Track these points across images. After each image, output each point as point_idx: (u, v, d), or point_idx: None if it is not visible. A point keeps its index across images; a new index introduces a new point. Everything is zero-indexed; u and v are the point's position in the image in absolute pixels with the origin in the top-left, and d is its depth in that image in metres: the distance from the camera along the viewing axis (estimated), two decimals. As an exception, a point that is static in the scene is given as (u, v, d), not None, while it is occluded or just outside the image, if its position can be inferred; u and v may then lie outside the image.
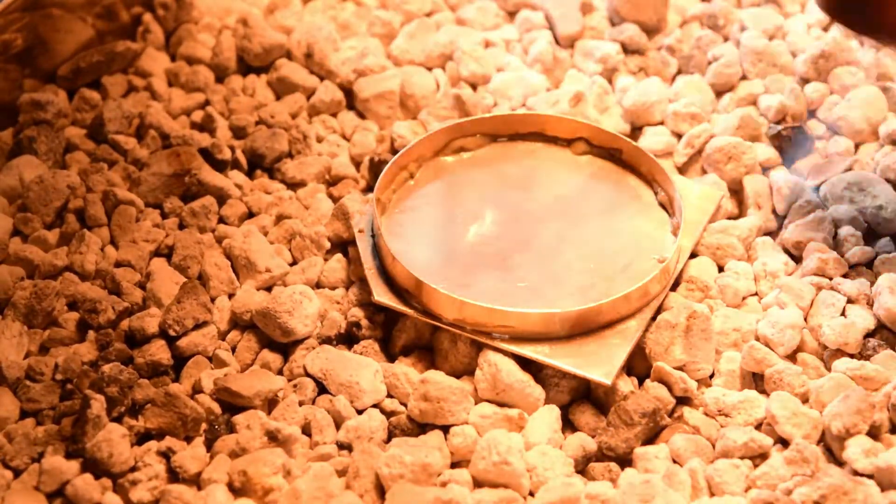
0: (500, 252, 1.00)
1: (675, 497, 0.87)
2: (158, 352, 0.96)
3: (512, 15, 1.22)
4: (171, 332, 0.97)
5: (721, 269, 1.02)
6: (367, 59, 1.16)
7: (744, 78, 1.15)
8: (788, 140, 1.09)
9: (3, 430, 0.92)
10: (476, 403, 0.94)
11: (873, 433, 0.89)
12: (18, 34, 1.11)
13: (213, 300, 1.00)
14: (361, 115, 1.15)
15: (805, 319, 0.98)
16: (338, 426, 0.93)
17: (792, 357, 0.96)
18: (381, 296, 0.98)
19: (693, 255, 1.02)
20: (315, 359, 0.96)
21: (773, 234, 1.05)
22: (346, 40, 1.19)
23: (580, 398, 0.95)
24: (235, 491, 0.89)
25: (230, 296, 1.00)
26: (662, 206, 1.04)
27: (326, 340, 0.98)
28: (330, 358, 0.96)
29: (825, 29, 1.19)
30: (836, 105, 1.11)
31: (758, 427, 0.93)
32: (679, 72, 1.17)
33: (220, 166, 1.08)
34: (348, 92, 1.15)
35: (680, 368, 0.95)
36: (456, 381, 0.94)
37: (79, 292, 0.99)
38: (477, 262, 1.00)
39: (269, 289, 1.01)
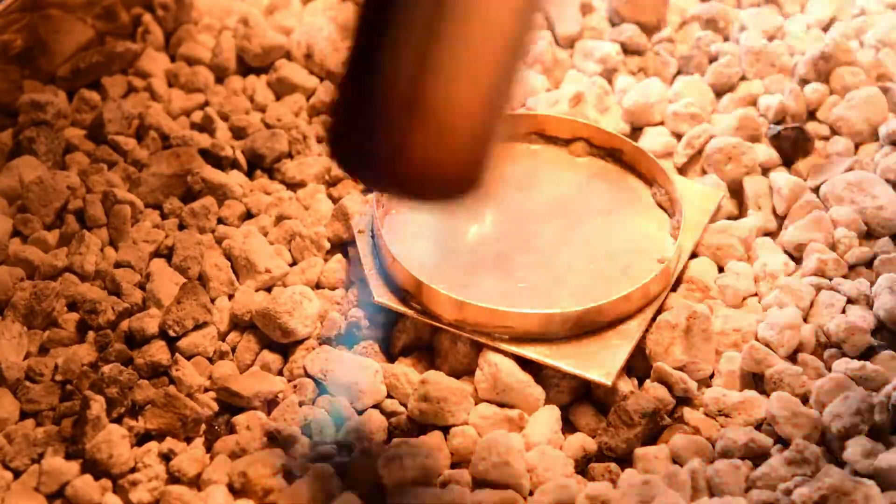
0: (500, 252, 1.00)
1: (676, 497, 0.87)
2: (158, 352, 0.96)
3: (512, 15, 1.22)
4: (171, 333, 0.97)
5: (721, 270, 1.02)
6: (366, 59, 1.16)
7: (743, 78, 1.15)
8: (788, 140, 1.09)
9: (2, 431, 0.92)
10: (476, 404, 0.94)
11: (873, 433, 0.89)
12: (18, 35, 1.11)
13: (213, 301, 1.00)
14: (361, 116, 1.14)
15: (805, 320, 0.98)
16: (338, 427, 0.93)
17: (792, 357, 0.96)
18: (381, 296, 0.98)
19: (693, 256, 1.02)
20: (315, 359, 0.96)
21: (773, 234, 1.05)
22: (347, 41, 1.19)
23: (580, 398, 0.95)
24: (235, 492, 0.89)
25: (230, 296, 1.00)
26: (662, 206, 1.04)
27: (326, 341, 0.98)
28: (330, 358, 0.96)
29: (825, 29, 1.19)
30: (836, 105, 1.11)
31: (758, 427, 0.93)
32: (679, 72, 1.17)
33: (220, 166, 1.08)
34: (348, 92, 1.15)
35: (680, 369, 0.95)
36: (456, 382, 0.94)
37: (78, 293, 0.99)
38: (477, 263, 0.99)
39: (269, 289, 1.01)
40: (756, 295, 1.01)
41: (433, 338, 0.98)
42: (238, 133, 1.12)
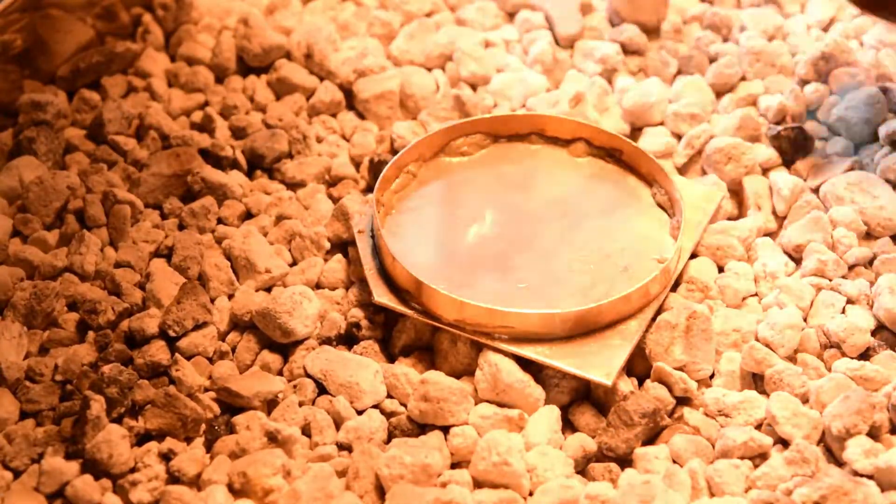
0: (501, 253, 1.00)
1: (676, 497, 0.87)
2: (158, 352, 0.96)
3: (512, 15, 1.22)
4: (171, 333, 0.97)
5: (721, 270, 1.02)
6: (366, 59, 1.16)
7: (743, 78, 1.15)
8: (788, 140, 1.09)
9: (2, 431, 0.92)
10: (476, 404, 0.94)
11: (873, 433, 0.89)
12: (18, 35, 1.11)
13: (212, 301, 1.00)
14: (361, 116, 1.15)
15: (805, 320, 0.98)
16: (338, 427, 0.93)
17: (792, 357, 0.96)
18: (381, 296, 0.98)
19: (693, 256, 1.02)
20: (315, 359, 0.96)
21: (772, 234, 1.05)
22: (346, 40, 1.19)
23: (580, 398, 0.95)
24: (235, 492, 0.89)
25: (230, 296, 1.00)
26: (662, 206, 1.04)
27: (326, 341, 0.98)
28: (330, 358, 0.96)
29: (825, 29, 1.19)
30: (836, 106, 1.11)
31: (758, 427, 0.93)
32: (679, 72, 1.17)
33: (220, 166, 1.09)
34: (348, 92, 1.15)
35: (680, 369, 0.95)
36: (456, 382, 0.94)
37: (78, 293, 0.99)
38: (477, 263, 1.00)
39: (268, 289, 1.01)
40: (756, 295, 1.01)
41: (433, 338, 0.98)
42: (238, 133, 1.12)
